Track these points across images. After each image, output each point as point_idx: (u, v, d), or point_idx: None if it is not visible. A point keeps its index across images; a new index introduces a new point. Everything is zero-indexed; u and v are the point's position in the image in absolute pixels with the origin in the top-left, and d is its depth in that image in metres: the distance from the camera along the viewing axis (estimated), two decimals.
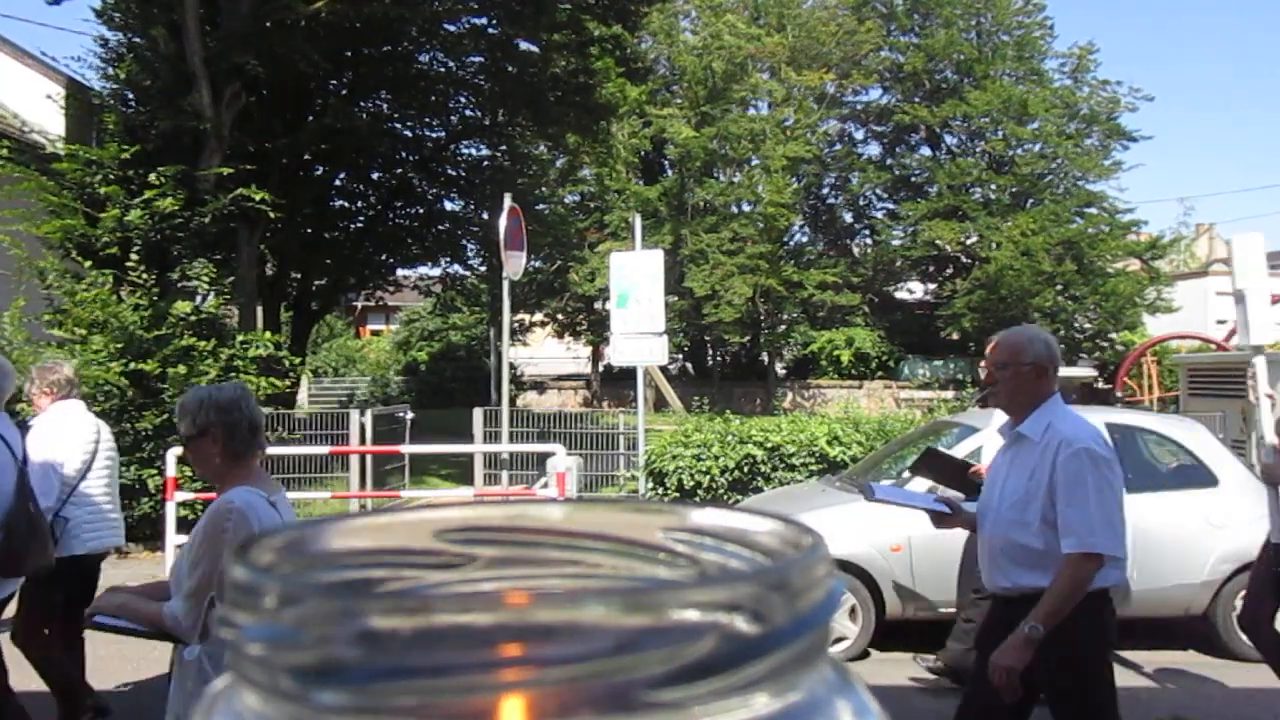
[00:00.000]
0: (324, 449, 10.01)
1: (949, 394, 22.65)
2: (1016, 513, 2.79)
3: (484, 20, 14.08)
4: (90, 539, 4.37)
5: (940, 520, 3.18)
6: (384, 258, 16.46)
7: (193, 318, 9.40)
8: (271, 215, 10.72)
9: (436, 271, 17.78)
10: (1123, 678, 5.34)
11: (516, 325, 25.66)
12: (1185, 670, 5.68)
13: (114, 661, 5.08)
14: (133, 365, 8.49)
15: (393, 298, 20.61)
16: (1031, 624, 2.62)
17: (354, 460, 10.17)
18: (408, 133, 15.80)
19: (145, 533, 8.55)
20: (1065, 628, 2.64)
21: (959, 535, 5.81)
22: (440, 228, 16.22)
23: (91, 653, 4.60)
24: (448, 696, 0.27)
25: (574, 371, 29.85)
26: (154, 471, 8.40)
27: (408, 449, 11.05)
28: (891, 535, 5.80)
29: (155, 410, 8.57)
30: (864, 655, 5.78)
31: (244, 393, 2.60)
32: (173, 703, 2.44)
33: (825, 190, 30.26)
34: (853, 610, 5.74)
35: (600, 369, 27.53)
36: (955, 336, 27.58)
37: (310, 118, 13.78)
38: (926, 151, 29.23)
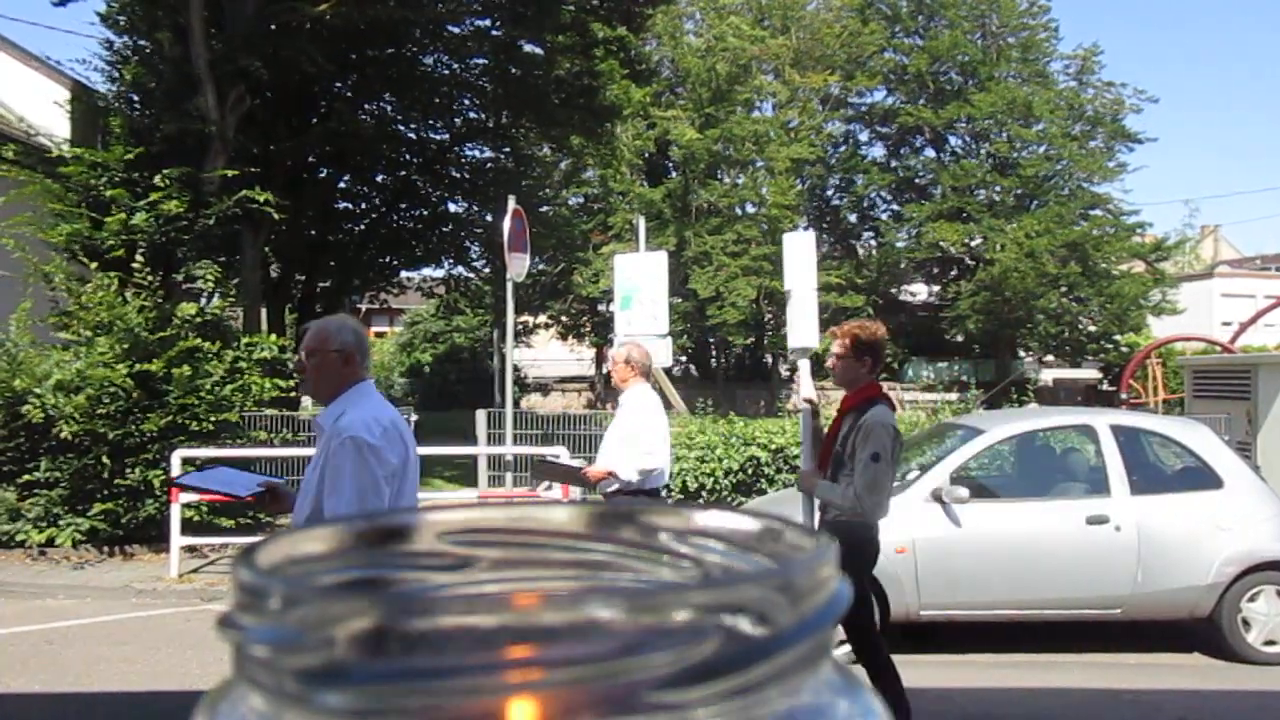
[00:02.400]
0: None
1: (953, 396, 22.60)
2: (305, 503, 2.77)
3: (488, 22, 14.10)
4: None
5: (261, 503, 3.19)
6: (388, 260, 16.47)
7: (197, 319, 9.42)
8: (276, 217, 10.73)
9: (440, 273, 17.80)
10: (1128, 679, 5.34)
11: (520, 327, 25.70)
12: (1191, 673, 5.66)
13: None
14: (138, 367, 8.52)
15: (396, 300, 20.59)
16: None
17: None
18: (412, 135, 15.79)
19: (150, 534, 8.58)
20: None
21: (963, 537, 5.81)
22: (444, 230, 16.21)
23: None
24: (452, 698, 0.27)
25: (578, 373, 29.88)
26: (159, 472, 8.42)
27: None
28: (896, 537, 5.79)
29: (160, 412, 8.60)
30: None
31: None
32: None
33: (829, 192, 30.25)
34: None
35: (604, 371, 27.53)
36: (960, 338, 27.55)
37: (314, 120, 13.81)
38: (931, 153, 29.23)
